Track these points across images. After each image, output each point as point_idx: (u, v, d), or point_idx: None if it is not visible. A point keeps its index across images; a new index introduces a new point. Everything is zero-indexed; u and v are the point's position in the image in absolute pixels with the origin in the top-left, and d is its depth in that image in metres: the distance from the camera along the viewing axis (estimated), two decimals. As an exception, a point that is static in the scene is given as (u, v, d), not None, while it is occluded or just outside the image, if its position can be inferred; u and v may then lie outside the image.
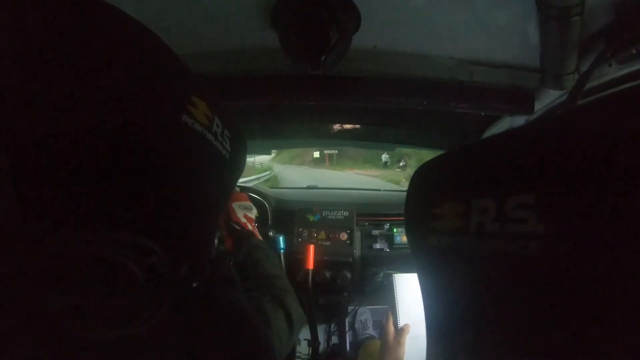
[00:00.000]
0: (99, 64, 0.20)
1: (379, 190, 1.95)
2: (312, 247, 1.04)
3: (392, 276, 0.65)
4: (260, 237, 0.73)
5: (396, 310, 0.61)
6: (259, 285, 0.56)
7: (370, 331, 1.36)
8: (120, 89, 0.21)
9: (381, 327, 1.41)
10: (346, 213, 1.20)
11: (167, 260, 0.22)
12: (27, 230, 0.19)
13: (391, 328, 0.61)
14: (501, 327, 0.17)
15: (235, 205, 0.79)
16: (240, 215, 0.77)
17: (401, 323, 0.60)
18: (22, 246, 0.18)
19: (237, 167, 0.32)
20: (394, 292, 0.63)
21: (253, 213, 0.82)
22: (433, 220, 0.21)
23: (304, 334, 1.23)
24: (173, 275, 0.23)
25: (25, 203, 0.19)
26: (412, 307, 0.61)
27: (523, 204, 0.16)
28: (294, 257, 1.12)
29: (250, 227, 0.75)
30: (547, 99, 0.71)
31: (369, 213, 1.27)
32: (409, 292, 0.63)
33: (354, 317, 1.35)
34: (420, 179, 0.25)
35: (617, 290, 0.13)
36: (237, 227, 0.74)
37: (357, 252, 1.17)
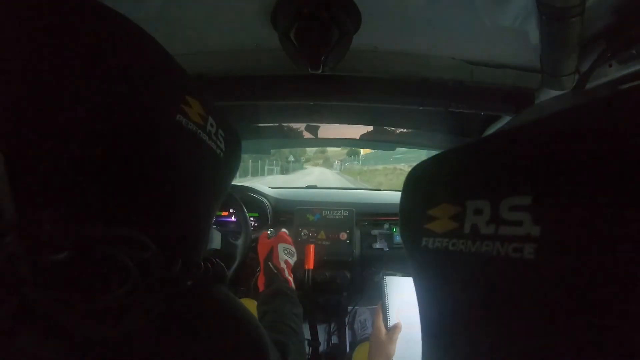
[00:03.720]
0: (94, 63, 0.20)
1: (379, 190, 1.95)
2: (312, 246, 1.04)
3: (383, 278, 0.66)
4: (294, 286, 0.70)
5: (387, 311, 0.61)
6: (271, 328, 0.53)
7: (370, 331, 1.35)
8: (115, 88, 0.21)
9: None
10: (346, 213, 1.21)
11: (161, 256, 0.22)
12: (20, 225, 0.19)
13: (382, 325, 0.61)
14: (497, 330, 0.17)
15: (280, 246, 0.75)
16: (282, 259, 0.73)
17: (391, 323, 0.60)
18: (16, 241, 0.19)
19: (232, 166, 0.32)
20: (385, 294, 0.64)
21: (293, 260, 0.78)
22: (427, 221, 0.21)
23: (304, 334, 1.23)
24: (167, 271, 0.23)
25: (19, 198, 0.19)
26: (402, 310, 0.61)
27: (518, 205, 0.16)
28: None
29: (287, 273, 0.71)
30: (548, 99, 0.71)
31: (368, 213, 1.27)
32: (399, 296, 0.63)
33: (353, 317, 1.35)
34: (415, 180, 0.25)
35: (615, 293, 0.13)
36: (274, 269, 0.70)
37: (356, 251, 1.17)
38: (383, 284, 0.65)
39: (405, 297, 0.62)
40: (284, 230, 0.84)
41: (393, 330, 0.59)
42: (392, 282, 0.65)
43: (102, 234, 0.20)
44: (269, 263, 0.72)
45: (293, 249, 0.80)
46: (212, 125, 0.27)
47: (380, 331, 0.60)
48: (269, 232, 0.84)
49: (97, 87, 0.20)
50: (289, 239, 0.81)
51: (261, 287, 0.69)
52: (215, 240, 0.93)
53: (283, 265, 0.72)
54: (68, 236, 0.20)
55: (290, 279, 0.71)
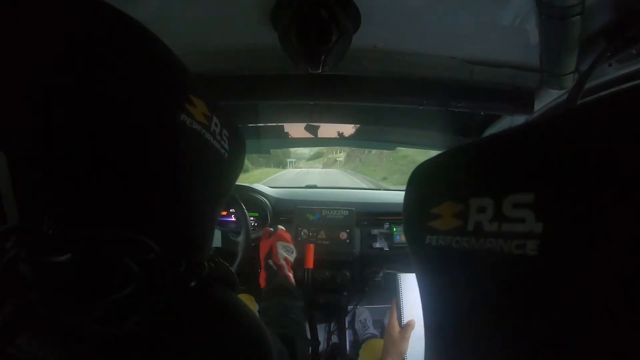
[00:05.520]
0: (98, 63, 0.20)
1: (379, 189, 1.95)
2: (312, 246, 1.04)
3: (397, 275, 0.67)
4: (293, 282, 0.71)
5: (401, 308, 0.62)
6: (274, 323, 0.53)
7: (372, 330, 1.36)
8: (119, 87, 0.21)
9: (382, 326, 1.42)
10: (346, 212, 1.21)
11: (165, 258, 0.22)
12: (24, 228, 0.19)
13: (396, 322, 0.62)
14: (499, 327, 0.17)
15: (279, 244, 0.77)
16: (281, 257, 0.75)
17: (405, 320, 0.61)
18: (18, 243, 0.19)
19: (236, 167, 0.32)
20: (399, 291, 0.65)
21: (292, 257, 0.80)
22: (431, 219, 0.21)
23: (305, 326, 1.23)
24: (171, 273, 0.23)
25: (21, 200, 0.19)
26: (415, 307, 0.62)
27: (521, 202, 0.16)
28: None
29: (286, 270, 0.73)
30: (547, 98, 0.71)
31: (368, 212, 1.27)
32: (413, 292, 0.64)
33: (353, 317, 1.35)
34: (419, 178, 0.25)
35: (618, 290, 0.13)
36: (274, 267, 0.72)
37: (356, 251, 1.17)
38: (397, 282, 0.66)
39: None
40: (281, 227, 0.85)
41: (406, 328, 0.60)
42: (406, 279, 0.66)
43: (105, 236, 0.20)
44: (269, 261, 0.74)
45: (292, 246, 0.82)
46: (216, 125, 0.27)
47: (393, 329, 0.61)
48: (271, 229, 0.85)
49: (100, 87, 0.20)
50: (288, 237, 0.83)
51: (262, 284, 0.71)
52: (216, 238, 0.93)
53: (282, 262, 0.74)
54: (71, 238, 0.20)
55: (290, 274, 0.73)
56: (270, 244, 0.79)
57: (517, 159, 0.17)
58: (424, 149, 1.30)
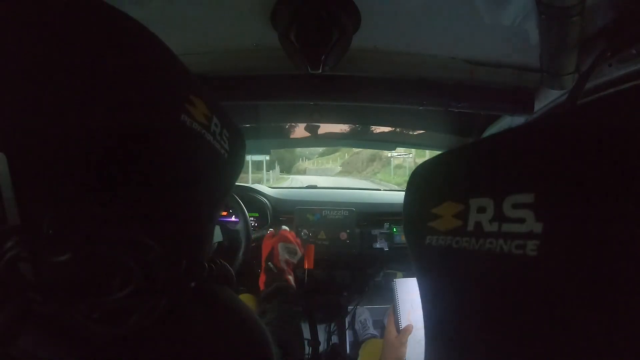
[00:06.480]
0: (98, 63, 0.20)
1: (379, 189, 1.95)
2: (312, 246, 1.04)
3: (393, 281, 0.67)
4: (294, 286, 0.69)
5: (398, 313, 0.62)
6: (272, 326, 0.51)
7: (372, 331, 1.36)
8: (119, 87, 0.21)
9: (382, 326, 1.42)
10: (346, 213, 1.21)
11: (164, 257, 0.22)
12: (23, 227, 0.19)
13: (393, 327, 0.62)
14: (500, 328, 0.17)
15: (281, 245, 0.74)
16: (282, 259, 0.72)
17: (402, 325, 0.61)
18: (18, 243, 0.19)
19: (236, 167, 0.32)
20: (395, 296, 0.65)
21: (296, 258, 0.76)
22: (431, 220, 0.21)
23: (304, 333, 1.23)
24: (171, 272, 0.23)
25: (21, 200, 0.19)
26: (413, 311, 0.62)
27: (521, 203, 0.16)
28: None
29: (287, 273, 0.70)
30: (547, 98, 0.71)
31: (368, 212, 1.27)
32: (410, 297, 0.64)
33: (353, 317, 1.35)
34: (419, 179, 0.25)
35: (618, 289, 0.13)
36: (274, 269, 0.70)
37: (356, 251, 1.17)
38: (393, 288, 0.66)
39: (416, 297, 0.63)
40: (284, 228, 0.83)
41: (403, 333, 0.60)
42: (402, 284, 0.66)
43: (105, 236, 0.20)
44: (269, 263, 0.72)
45: (295, 247, 0.78)
46: (216, 125, 0.27)
47: (391, 334, 0.61)
48: (271, 229, 0.84)
49: (100, 86, 0.20)
50: (292, 236, 0.79)
51: (262, 286, 0.69)
52: (216, 233, 0.93)
53: (283, 265, 0.72)
54: (70, 238, 0.20)
55: (291, 278, 0.70)
56: (271, 244, 0.76)
57: (517, 159, 0.17)
58: (424, 149, 1.31)
